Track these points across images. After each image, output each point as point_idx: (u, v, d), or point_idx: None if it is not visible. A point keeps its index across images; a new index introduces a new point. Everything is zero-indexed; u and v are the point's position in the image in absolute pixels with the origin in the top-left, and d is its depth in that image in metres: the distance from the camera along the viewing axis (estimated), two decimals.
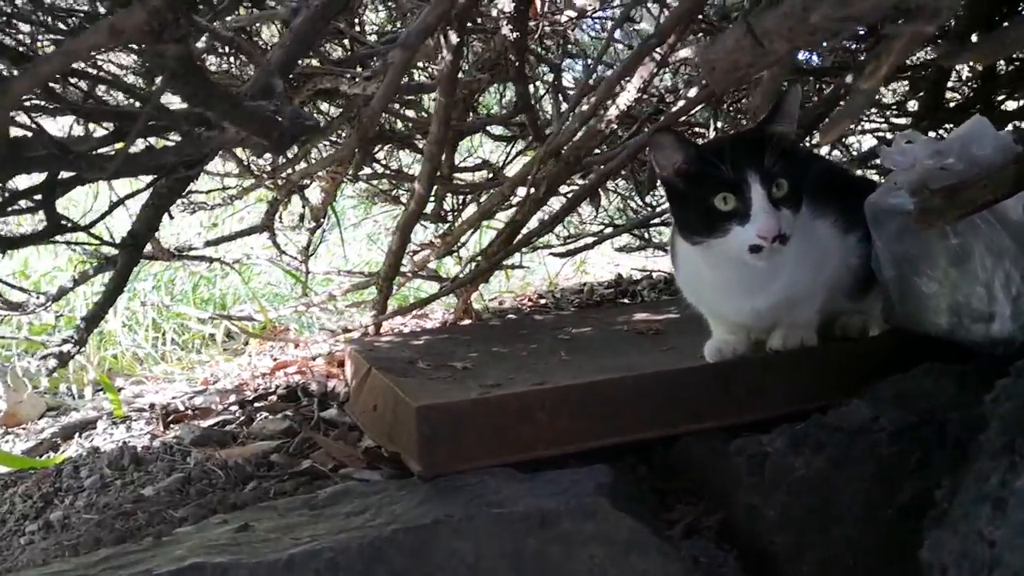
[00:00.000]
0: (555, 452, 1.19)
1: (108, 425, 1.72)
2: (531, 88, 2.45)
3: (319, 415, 1.56)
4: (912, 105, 2.31)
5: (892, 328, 1.33)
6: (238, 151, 1.85)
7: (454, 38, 1.41)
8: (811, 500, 1.03)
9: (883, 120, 2.48)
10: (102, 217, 1.50)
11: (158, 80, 1.05)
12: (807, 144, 1.93)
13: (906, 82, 2.28)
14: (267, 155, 1.86)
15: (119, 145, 1.23)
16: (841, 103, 1.69)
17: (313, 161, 1.79)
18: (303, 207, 2.23)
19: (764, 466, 1.10)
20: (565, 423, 1.20)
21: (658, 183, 1.81)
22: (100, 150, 1.25)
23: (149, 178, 1.41)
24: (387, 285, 1.87)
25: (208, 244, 2.17)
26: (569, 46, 2.42)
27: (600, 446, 1.21)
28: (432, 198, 2.27)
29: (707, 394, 1.27)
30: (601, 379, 1.26)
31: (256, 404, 1.69)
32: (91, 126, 1.46)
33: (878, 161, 2.16)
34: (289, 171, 1.85)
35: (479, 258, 2.09)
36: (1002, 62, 2.07)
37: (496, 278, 3.08)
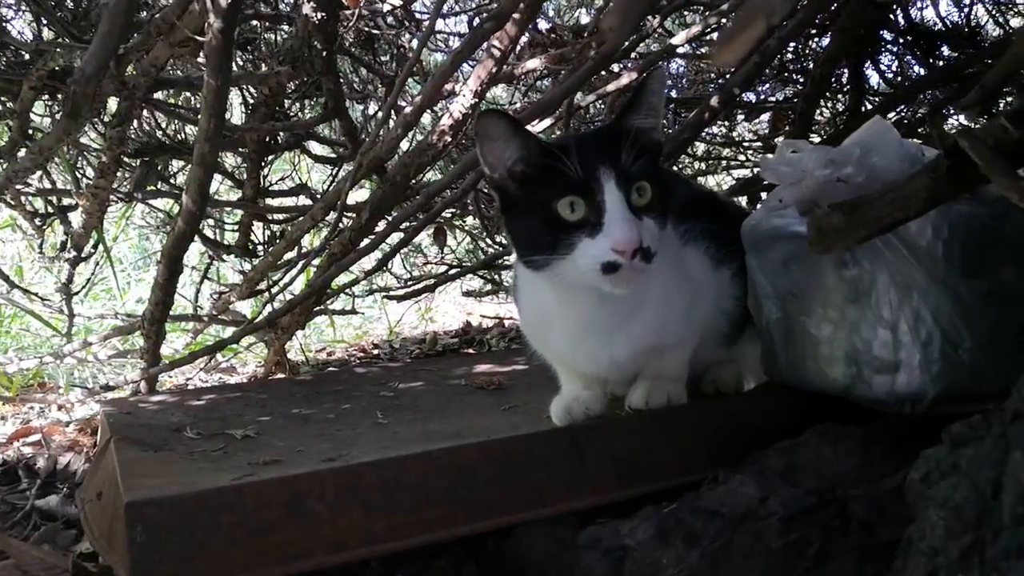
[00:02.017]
0: (341, 560, 0.87)
1: None
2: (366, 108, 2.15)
3: (34, 504, 1.13)
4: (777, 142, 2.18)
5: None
6: None
7: (223, 1, 1.08)
8: None
9: (745, 159, 2.35)
10: None
11: None
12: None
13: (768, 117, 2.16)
14: None
15: None
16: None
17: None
18: (65, 233, 1.78)
19: (623, 563, 0.89)
20: (356, 518, 0.87)
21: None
22: None
23: None
24: (155, 329, 1.47)
25: None
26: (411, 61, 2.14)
27: (407, 547, 0.88)
28: (235, 226, 1.89)
29: (553, 469, 0.99)
30: (408, 455, 0.92)
31: None
32: None
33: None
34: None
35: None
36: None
37: (335, 326, 2.71)
